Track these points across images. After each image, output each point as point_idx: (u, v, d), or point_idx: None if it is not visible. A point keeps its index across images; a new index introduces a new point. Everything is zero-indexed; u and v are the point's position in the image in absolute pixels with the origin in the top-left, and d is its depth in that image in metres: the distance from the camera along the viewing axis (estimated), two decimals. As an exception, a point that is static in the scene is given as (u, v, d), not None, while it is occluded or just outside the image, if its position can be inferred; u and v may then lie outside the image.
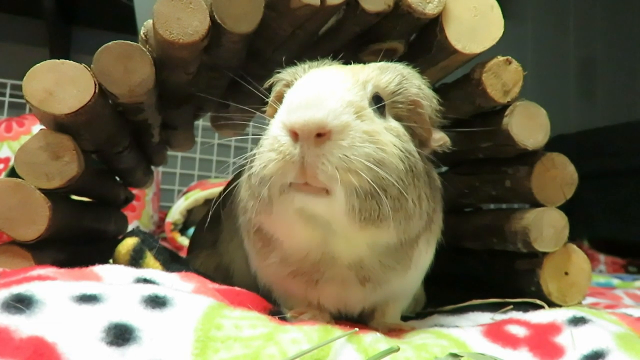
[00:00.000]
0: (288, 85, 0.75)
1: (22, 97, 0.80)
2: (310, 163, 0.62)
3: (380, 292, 0.76)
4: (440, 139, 0.77)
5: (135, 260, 0.91)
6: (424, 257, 0.81)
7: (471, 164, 1.13)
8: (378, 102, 0.71)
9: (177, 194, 2.92)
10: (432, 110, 0.76)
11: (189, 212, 2.50)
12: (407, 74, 0.76)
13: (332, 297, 0.75)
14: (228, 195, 0.89)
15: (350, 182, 0.62)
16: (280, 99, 0.73)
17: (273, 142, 0.65)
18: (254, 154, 0.69)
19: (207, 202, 2.46)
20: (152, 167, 1.54)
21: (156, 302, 0.58)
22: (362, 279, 0.73)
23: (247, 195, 0.73)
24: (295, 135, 0.62)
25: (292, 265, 0.74)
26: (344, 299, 0.76)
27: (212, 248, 1.08)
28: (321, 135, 0.61)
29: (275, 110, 0.70)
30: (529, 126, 0.92)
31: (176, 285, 0.72)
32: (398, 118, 0.73)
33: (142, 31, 0.85)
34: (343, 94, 0.65)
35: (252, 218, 0.74)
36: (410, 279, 0.81)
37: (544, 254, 0.96)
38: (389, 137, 0.67)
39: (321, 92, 0.64)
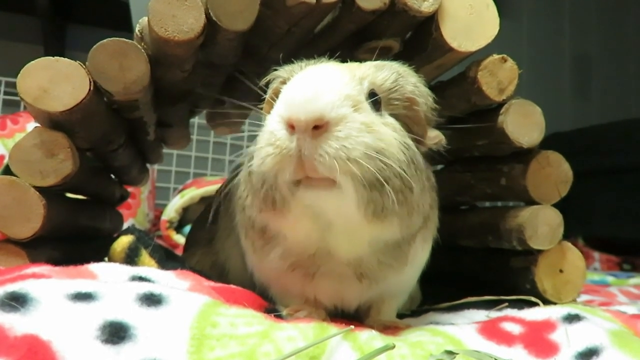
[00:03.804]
0: (285, 82, 0.75)
1: (16, 94, 0.80)
2: (308, 156, 0.61)
3: (376, 288, 0.76)
4: (435, 137, 0.77)
5: (131, 258, 0.91)
6: (420, 254, 0.81)
7: (466, 162, 1.13)
8: (374, 99, 0.71)
9: (173, 192, 2.91)
10: (428, 108, 0.76)
11: (185, 210, 2.50)
12: (403, 71, 0.76)
13: (328, 292, 0.75)
14: (224, 193, 0.89)
15: (351, 172, 0.62)
16: (277, 95, 0.73)
17: (270, 136, 0.64)
18: (252, 152, 0.68)
19: (203, 200, 2.46)
20: (148, 165, 1.54)
21: (151, 300, 0.58)
22: (359, 275, 0.74)
23: (248, 193, 0.72)
24: (292, 128, 0.62)
25: (291, 257, 0.74)
26: (340, 294, 0.76)
27: (208, 246, 1.07)
28: (318, 127, 0.61)
29: (272, 107, 0.70)
30: (524, 124, 0.93)
31: (172, 283, 0.72)
32: (394, 116, 0.73)
33: (137, 29, 0.85)
34: (340, 87, 0.65)
35: (252, 216, 0.74)
36: (407, 276, 0.81)
37: (539, 251, 0.96)
38: (386, 129, 0.67)
39: (318, 86, 0.63)
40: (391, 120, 0.72)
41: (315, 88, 0.63)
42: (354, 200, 0.64)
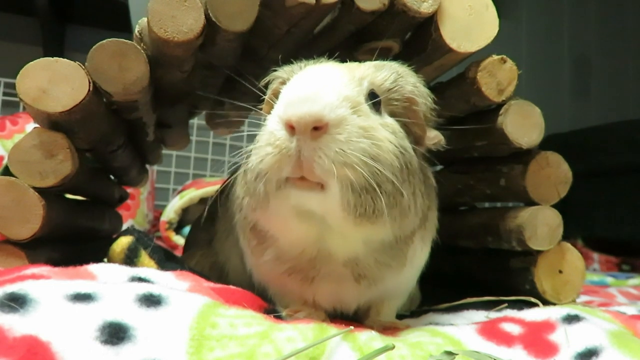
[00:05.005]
0: (284, 82, 0.75)
1: (15, 95, 0.80)
2: (307, 157, 0.62)
3: (375, 289, 0.76)
4: (434, 137, 0.77)
5: (130, 259, 0.90)
6: (419, 255, 0.81)
7: (466, 163, 1.13)
8: (374, 99, 0.71)
9: (172, 193, 2.91)
10: (427, 108, 0.76)
11: (184, 211, 2.49)
12: (403, 72, 0.76)
13: (328, 294, 0.75)
14: (224, 194, 0.89)
15: (346, 176, 0.62)
16: (276, 96, 0.74)
17: (269, 136, 0.65)
18: (250, 150, 0.69)
19: (202, 200, 2.46)
20: (147, 166, 1.54)
21: (151, 300, 0.58)
22: (357, 276, 0.74)
23: (243, 192, 0.73)
24: (291, 129, 0.62)
25: (288, 262, 0.74)
26: (339, 297, 0.76)
27: (207, 247, 1.07)
28: (318, 129, 0.61)
29: (272, 107, 0.70)
30: (523, 125, 0.93)
31: (171, 284, 0.72)
32: (393, 115, 0.74)
33: (136, 29, 0.85)
34: (340, 88, 0.65)
35: (247, 215, 0.74)
36: (406, 276, 0.81)
37: (539, 252, 0.96)
38: (384, 133, 0.67)
39: (318, 87, 0.64)
40: (390, 121, 0.72)
41: (314, 89, 0.63)
42: (338, 203, 0.64)
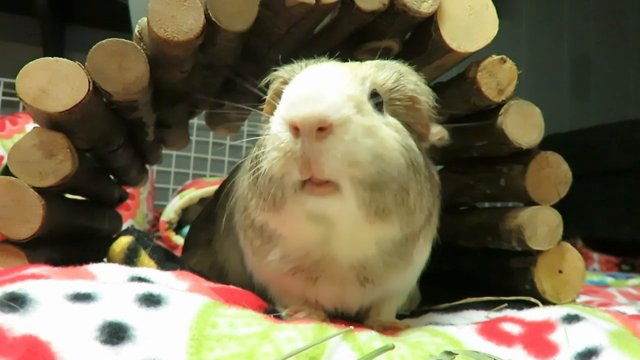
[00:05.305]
0: (285, 82, 0.75)
1: (15, 95, 0.80)
2: (313, 158, 0.61)
3: (379, 290, 0.76)
4: (438, 133, 0.77)
5: (130, 258, 0.90)
6: (422, 253, 0.81)
7: (466, 163, 1.13)
8: (376, 98, 0.71)
9: (172, 193, 2.91)
10: (430, 107, 0.76)
11: (184, 211, 2.50)
12: (404, 71, 0.76)
13: (331, 295, 0.75)
14: (223, 194, 0.89)
15: (355, 176, 0.62)
16: (278, 96, 0.73)
17: (274, 139, 0.64)
18: (259, 153, 0.68)
19: (202, 200, 2.46)
20: (147, 166, 1.54)
21: (151, 300, 0.58)
22: (363, 279, 0.73)
23: (251, 194, 0.72)
24: (296, 130, 0.61)
25: (293, 262, 0.74)
26: (342, 298, 0.76)
27: (207, 247, 1.07)
28: (322, 129, 0.61)
29: (273, 107, 0.70)
30: (523, 125, 0.93)
31: (171, 283, 0.72)
32: (396, 115, 0.73)
33: (136, 29, 0.85)
34: (343, 88, 0.65)
35: (255, 216, 0.74)
36: (408, 276, 0.81)
37: (538, 252, 0.96)
38: (388, 131, 0.67)
39: (321, 86, 0.63)
40: (393, 120, 0.72)
41: (317, 89, 0.63)
42: (354, 203, 0.64)
